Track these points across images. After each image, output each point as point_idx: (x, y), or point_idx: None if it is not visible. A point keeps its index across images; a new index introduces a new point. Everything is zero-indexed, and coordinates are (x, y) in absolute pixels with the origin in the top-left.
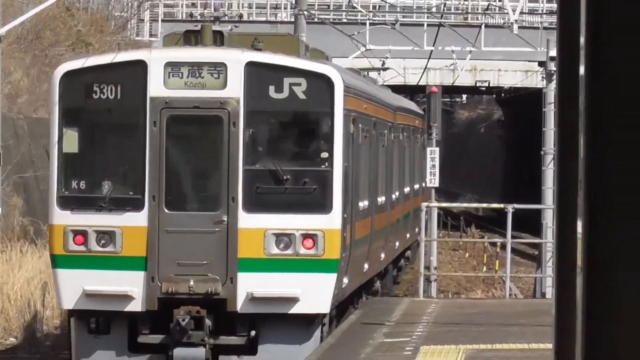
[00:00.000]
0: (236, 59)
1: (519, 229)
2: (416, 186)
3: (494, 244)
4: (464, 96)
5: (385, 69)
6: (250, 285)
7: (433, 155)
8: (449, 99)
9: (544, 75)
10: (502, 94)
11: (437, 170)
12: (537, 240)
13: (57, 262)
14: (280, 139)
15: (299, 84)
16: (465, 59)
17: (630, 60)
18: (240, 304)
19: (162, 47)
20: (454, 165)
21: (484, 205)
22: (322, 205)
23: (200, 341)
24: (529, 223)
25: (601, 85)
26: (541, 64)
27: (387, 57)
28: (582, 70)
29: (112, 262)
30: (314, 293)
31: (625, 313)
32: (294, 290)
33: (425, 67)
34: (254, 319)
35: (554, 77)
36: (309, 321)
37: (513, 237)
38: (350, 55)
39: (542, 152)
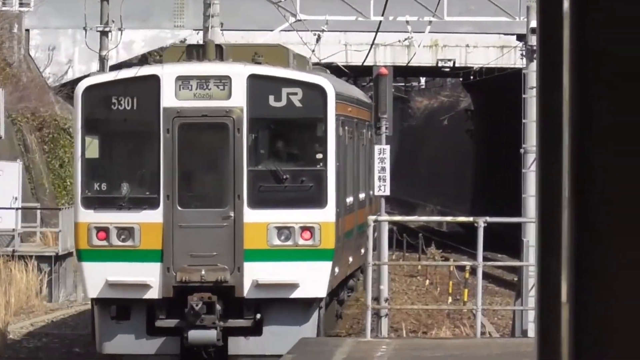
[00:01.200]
0: (239, 72)
1: (494, 248)
2: (361, 195)
3: (461, 268)
4: (423, 79)
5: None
6: (255, 274)
7: (383, 155)
8: (403, 84)
9: (524, 52)
10: (471, 77)
11: (387, 174)
12: (516, 263)
13: (83, 256)
14: (280, 142)
15: (296, 94)
16: (423, 32)
17: (625, 32)
18: (246, 290)
19: (173, 62)
20: (410, 168)
21: (449, 218)
22: (318, 200)
23: (212, 324)
24: (507, 241)
25: (589, 63)
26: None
27: (323, 30)
28: (567, 42)
29: (131, 255)
30: (312, 279)
31: (620, 354)
32: (295, 277)
33: (373, 43)
34: (259, 304)
35: (536, 54)
36: (308, 304)
37: (486, 259)
38: (277, 27)
39: (521, 150)
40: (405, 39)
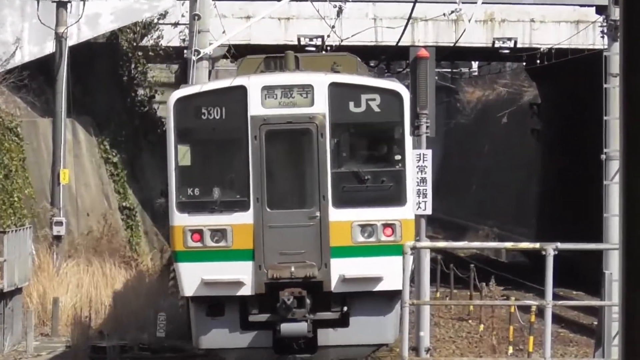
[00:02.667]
0: (321, 81)
1: (568, 284)
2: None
3: (526, 309)
4: (475, 64)
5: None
6: (341, 269)
7: (423, 162)
8: (448, 70)
9: (605, 29)
10: (537, 61)
11: (429, 187)
12: (595, 303)
13: (179, 257)
14: (361, 145)
15: (374, 99)
16: (475, 3)
17: None
18: (333, 285)
19: (256, 74)
20: (458, 179)
21: (508, 245)
22: (398, 199)
23: (302, 317)
24: (584, 274)
25: None
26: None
27: (346, 0)
28: None
29: (224, 255)
30: (395, 273)
31: None
32: (378, 272)
33: (410, 17)
34: (345, 297)
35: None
36: (391, 296)
37: (557, 297)
38: None
39: (602, 156)
40: (452, 12)
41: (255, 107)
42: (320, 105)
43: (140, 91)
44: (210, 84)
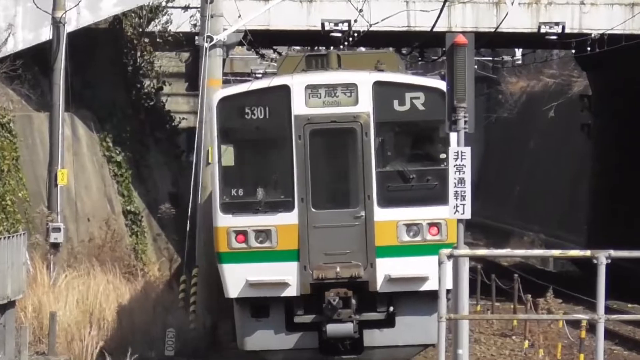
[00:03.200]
0: (365, 80)
1: (622, 296)
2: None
3: (575, 324)
4: (518, 52)
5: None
6: (387, 269)
7: (460, 160)
8: (490, 58)
9: None
10: (589, 48)
11: (468, 188)
12: None
13: (223, 258)
14: (405, 144)
15: (418, 97)
16: None
17: None
18: (379, 285)
19: (299, 73)
20: (500, 180)
21: (556, 252)
22: (443, 198)
23: (348, 318)
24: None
25: None
26: None
27: None
28: None
29: (269, 255)
30: None
31: None
32: (424, 271)
33: (446, 0)
34: (391, 297)
35: None
36: (437, 296)
37: (610, 310)
38: None
39: None
40: None
41: (299, 106)
42: (365, 104)
43: (147, 82)
44: (254, 83)
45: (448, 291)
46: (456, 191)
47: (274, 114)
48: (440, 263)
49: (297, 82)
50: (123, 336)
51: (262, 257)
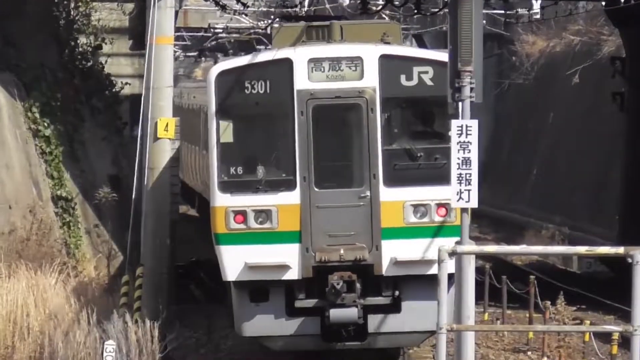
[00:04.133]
0: (371, 53)
1: None
2: None
3: (605, 337)
4: (537, 3)
5: None
6: (393, 251)
7: (465, 137)
8: (501, 11)
9: None
10: None
11: (475, 170)
12: None
13: (221, 239)
14: (413, 121)
15: (427, 72)
16: None
17: None
18: (385, 268)
19: (302, 45)
20: (513, 161)
21: (582, 249)
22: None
23: (352, 302)
24: None
25: None
26: None
27: None
28: None
29: (269, 237)
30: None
31: None
32: (432, 254)
33: None
34: (397, 281)
35: None
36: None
37: None
38: None
39: None
40: None
41: (302, 80)
42: (371, 79)
43: (83, 39)
44: (255, 56)
45: (450, 276)
46: (460, 174)
47: (275, 89)
48: (440, 262)
49: (300, 55)
50: (53, 350)
51: (261, 238)
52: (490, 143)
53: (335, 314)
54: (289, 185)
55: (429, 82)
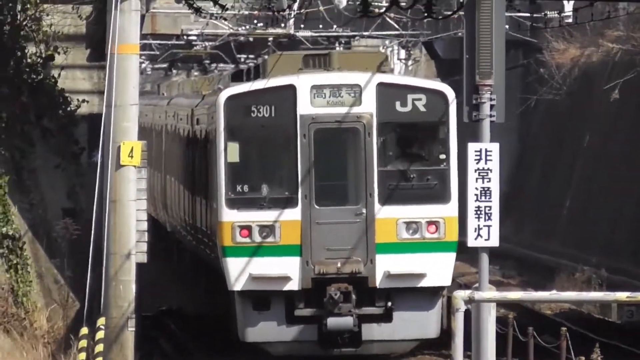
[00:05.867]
0: (369, 81)
1: None
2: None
3: None
4: (569, 5)
5: None
6: (387, 265)
7: (485, 163)
8: (528, 14)
9: None
10: None
11: (495, 203)
12: None
13: (227, 252)
14: (406, 144)
15: (420, 99)
16: None
17: None
18: (379, 281)
19: (306, 73)
20: (542, 191)
21: (623, 295)
22: (442, 197)
23: (348, 312)
24: None
25: None
26: None
27: None
28: None
29: (272, 250)
30: (438, 269)
31: None
32: (422, 268)
33: None
34: (389, 293)
35: None
36: (435, 293)
37: None
38: None
39: None
40: None
41: (304, 105)
42: (368, 105)
43: (32, 49)
44: (260, 82)
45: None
46: (478, 207)
47: (279, 113)
48: (455, 311)
49: (303, 82)
50: None
51: (265, 251)
52: (515, 170)
53: (332, 322)
54: (291, 203)
55: (422, 109)
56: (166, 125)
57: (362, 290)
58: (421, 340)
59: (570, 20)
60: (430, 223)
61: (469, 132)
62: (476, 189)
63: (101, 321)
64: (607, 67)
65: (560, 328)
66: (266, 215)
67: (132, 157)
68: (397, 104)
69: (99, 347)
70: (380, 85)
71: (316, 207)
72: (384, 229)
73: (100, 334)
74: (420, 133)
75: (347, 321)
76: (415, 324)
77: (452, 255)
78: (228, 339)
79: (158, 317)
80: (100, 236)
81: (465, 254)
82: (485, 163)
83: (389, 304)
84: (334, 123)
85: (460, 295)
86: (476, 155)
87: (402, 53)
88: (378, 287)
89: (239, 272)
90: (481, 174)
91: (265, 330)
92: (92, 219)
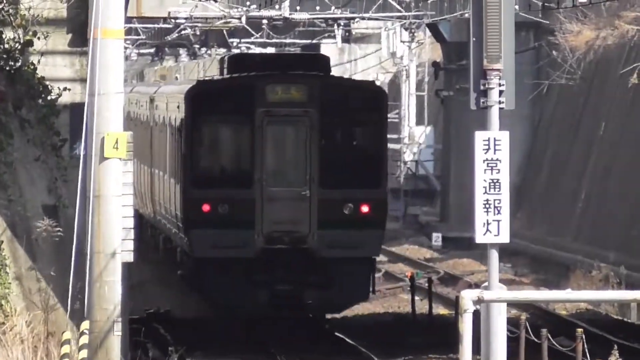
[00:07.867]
0: (314, 81)
1: None
2: None
3: None
4: None
5: None
6: (327, 238)
7: (494, 153)
8: None
9: None
10: None
11: (505, 196)
12: None
13: (192, 224)
14: (346, 135)
15: (358, 96)
16: None
17: None
18: (320, 251)
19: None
20: (555, 183)
21: None
22: (376, 181)
23: (294, 279)
24: None
25: None
26: None
27: None
28: None
29: (230, 223)
30: (369, 243)
31: None
32: (357, 240)
33: None
34: (329, 262)
35: None
36: (368, 262)
37: None
38: None
39: None
40: None
41: (261, 100)
42: (314, 102)
43: (9, 34)
44: (221, 80)
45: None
46: (486, 200)
47: (239, 107)
48: (463, 312)
49: (260, 81)
50: None
51: (224, 224)
52: (526, 161)
53: (280, 287)
54: (248, 184)
55: (360, 105)
56: (156, 116)
57: (306, 260)
58: (355, 302)
59: (584, 0)
60: (362, 203)
61: (469, 120)
62: (484, 180)
63: (85, 325)
64: (624, 50)
65: (576, 330)
66: (225, 194)
67: (117, 148)
68: (339, 100)
69: (83, 353)
70: (324, 84)
71: (267, 188)
72: (325, 207)
73: (84, 339)
74: (358, 126)
75: (293, 287)
76: (351, 289)
77: (382, 232)
78: (222, 341)
79: (146, 320)
80: (84, 234)
81: (475, 249)
82: (494, 153)
83: (330, 271)
84: (284, 117)
85: (469, 295)
86: (484, 145)
87: (405, 35)
88: (320, 256)
89: (202, 242)
90: (490, 164)
91: (226, 292)
92: (75, 215)
